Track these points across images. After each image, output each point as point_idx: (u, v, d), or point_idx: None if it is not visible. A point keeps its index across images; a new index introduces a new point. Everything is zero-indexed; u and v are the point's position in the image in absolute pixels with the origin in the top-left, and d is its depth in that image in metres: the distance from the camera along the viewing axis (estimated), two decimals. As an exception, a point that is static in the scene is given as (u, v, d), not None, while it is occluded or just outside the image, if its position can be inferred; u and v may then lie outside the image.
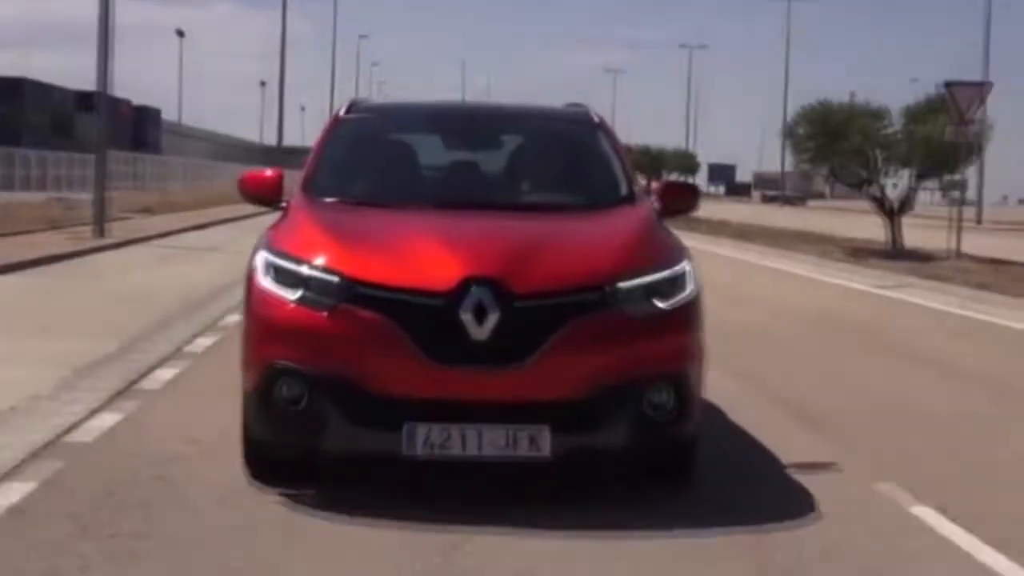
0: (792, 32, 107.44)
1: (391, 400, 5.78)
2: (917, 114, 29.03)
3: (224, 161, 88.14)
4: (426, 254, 6.01)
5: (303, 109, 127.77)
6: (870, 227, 33.10)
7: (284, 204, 7.05)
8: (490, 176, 7.74)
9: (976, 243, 29.90)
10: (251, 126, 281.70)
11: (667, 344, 6.06)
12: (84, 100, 63.36)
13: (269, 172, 7.32)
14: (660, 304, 6.06)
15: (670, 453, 6.34)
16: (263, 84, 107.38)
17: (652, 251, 6.36)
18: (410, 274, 5.89)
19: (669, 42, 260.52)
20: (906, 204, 29.78)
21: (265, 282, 6.12)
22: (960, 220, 27.88)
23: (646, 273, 6.09)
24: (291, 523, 5.81)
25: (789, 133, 31.40)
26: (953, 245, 27.13)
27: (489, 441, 5.78)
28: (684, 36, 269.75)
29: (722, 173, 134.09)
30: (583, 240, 6.45)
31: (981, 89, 28.51)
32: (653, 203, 7.18)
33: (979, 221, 55.87)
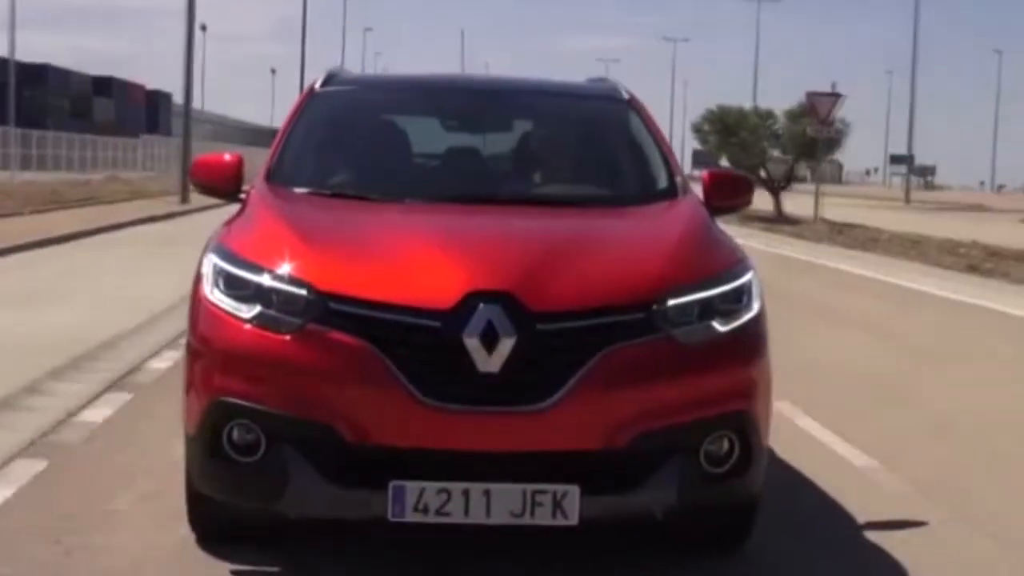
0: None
1: (374, 451, 4.45)
2: (793, 116, 40.12)
3: (233, 144, 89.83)
4: (419, 261, 4.65)
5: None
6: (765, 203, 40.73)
7: (243, 196, 5.67)
8: (498, 164, 6.33)
9: (869, 215, 41.31)
10: (256, 109, 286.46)
11: (728, 378, 4.71)
12: (100, 85, 71.55)
13: (227, 156, 5.86)
14: (719, 327, 4.72)
15: (727, 515, 5.03)
16: (273, 72, 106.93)
17: (707, 259, 4.99)
18: (399, 287, 4.53)
19: (658, 33, 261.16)
20: (788, 183, 41.39)
21: (213, 294, 4.74)
22: (817, 194, 38.18)
23: (701, 287, 4.74)
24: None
25: (696, 129, 43.19)
26: (823, 214, 37.24)
27: (500, 504, 4.43)
28: (672, 28, 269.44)
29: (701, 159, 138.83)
30: (620, 244, 5.07)
31: (836, 99, 37.32)
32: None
33: (907, 200, 71.25)
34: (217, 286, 4.74)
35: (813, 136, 37.09)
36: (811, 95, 37.76)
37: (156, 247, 20.45)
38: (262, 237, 4.92)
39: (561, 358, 4.45)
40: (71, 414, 7.45)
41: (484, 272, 4.53)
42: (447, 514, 4.42)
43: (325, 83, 6.27)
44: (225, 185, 5.74)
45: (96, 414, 7.56)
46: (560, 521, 4.44)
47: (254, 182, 5.68)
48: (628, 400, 4.49)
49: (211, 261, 4.85)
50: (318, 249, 4.78)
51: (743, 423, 4.70)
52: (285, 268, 4.64)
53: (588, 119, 6.41)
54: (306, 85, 6.47)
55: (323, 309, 4.50)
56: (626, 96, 6.39)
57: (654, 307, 4.60)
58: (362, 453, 4.44)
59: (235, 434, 4.56)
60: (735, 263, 4.99)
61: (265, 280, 4.64)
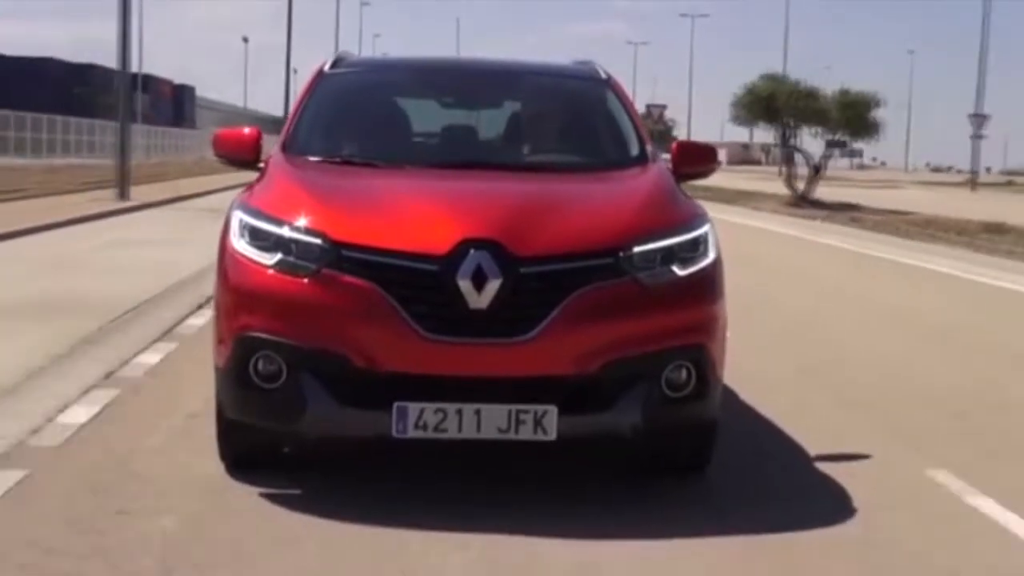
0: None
1: (380, 377, 5.09)
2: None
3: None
4: (419, 214, 5.31)
5: (295, 72, 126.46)
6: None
7: (262, 165, 6.34)
8: (489, 135, 7.00)
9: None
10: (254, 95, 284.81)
11: (686, 315, 5.37)
12: (135, 81, 76.10)
13: (247, 130, 6.59)
14: (678, 271, 5.37)
15: (686, 439, 5.69)
16: (288, 66, 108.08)
17: (669, 213, 5.66)
18: (401, 236, 5.18)
19: (668, 11, 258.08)
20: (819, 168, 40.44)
21: (239, 244, 5.41)
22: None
23: (663, 236, 5.39)
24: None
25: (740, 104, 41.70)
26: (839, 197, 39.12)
27: (488, 421, 5.08)
28: (681, 7, 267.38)
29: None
30: (593, 201, 5.77)
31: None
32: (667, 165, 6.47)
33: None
34: (243, 237, 5.40)
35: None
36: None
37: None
38: (281, 196, 5.59)
39: (540, 297, 5.10)
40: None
41: (474, 222, 5.18)
42: (444, 430, 5.06)
43: (334, 65, 6.97)
44: (246, 155, 6.40)
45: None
46: (540, 436, 5.08)
47: (271, 152, 6.34)
48: (598, 333, 5.13)
49: (237, 216, 5.50)
50: (330, 205, 5.44)
51: (699, 355, 5.35)
52: (302, 221, 5.30)
53: (569, 96, 7.10)
54: (315, 68, 7.10)
55: (336, 256, 5.15)
56: (604, 76, 7.08)
57: (621, 253, 5.24)
58: (370, 379, 5.08)
59: (260, 364, 5.20)
60: (694, 217, 5.65)
61: (285, 232, 5.29)
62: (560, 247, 5.20)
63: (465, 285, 5.03)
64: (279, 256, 5.25)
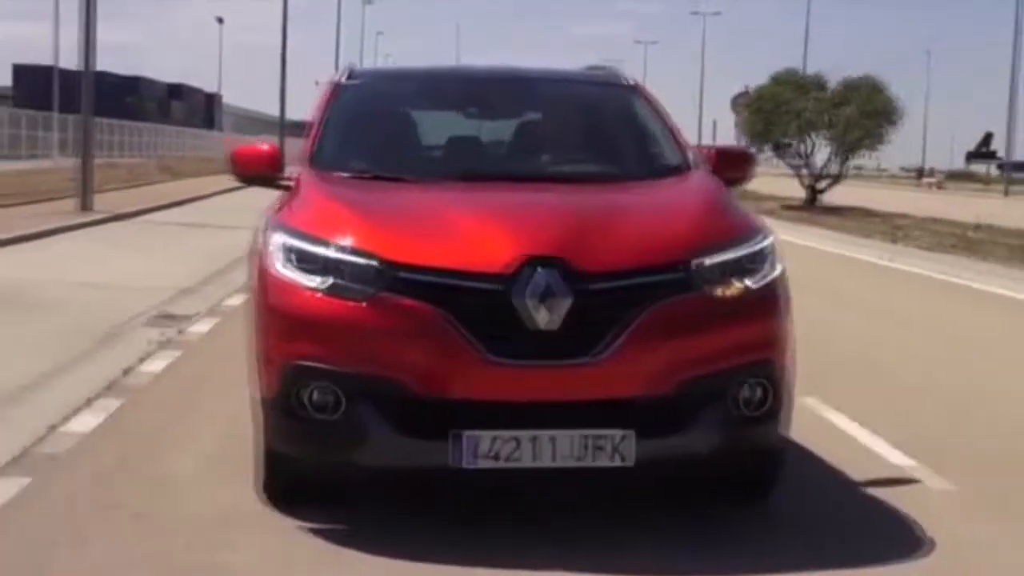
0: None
1: (444, 404, 4.73)
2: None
3: (247, 134, 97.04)
4: (477, 232, 4.96)
5: (317, 84, 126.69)
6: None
7: (287, 181, 6.01)
8: (521, 146, 6.58)
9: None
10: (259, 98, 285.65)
11: (756, 330, 5.07)
12: (173, 91, 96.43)
13: (265, 146, 6.33)
14: (748, 284, 5.07)
15: (755, 461, 5.33)
16: (284, 66, 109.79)
17: (734, 223, 5.36)
18: (461, 255, 4.83)
19: (674, 13, 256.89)
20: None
21: (284, 269, 5.00)
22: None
23: (731, 248, 5.09)
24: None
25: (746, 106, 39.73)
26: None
27: (564, 449, 4.74)
28: (684, 8, 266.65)
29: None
30: (652, 211, 5.45)
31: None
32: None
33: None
34: (287, 261, 5.00)
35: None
36: None
37: None
38: (324, 215, 5.21)
39: (611, 315, 4.77)
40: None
41: (537, 239, 4.86)
42: (516, 460, 4.71)
43: (349, 77, 6.63)
44: (267, 172, 6.11)
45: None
46: (618, 463, 4.75)
47: (295, 167, 5.99)
48: (672, 351, 4.81)
49: (278, 238, 5.11)
50: (380, 224, 5.08)
51: (772, 370, 5.04)
52: (353, 242, 4.93)
53: (599, 104, 6.75)
54: (330, 79, 6.76)
55: (392, 278, 4.78)
56: (631, 82, 6.77)
57: (691, 266, 4.93)
58: (433, 406, 4.71)
59: (313, 394, 4.80)
60: (758, 228, 5.37)
61: (334, 253, 4.91)
62: (629, 262, 4.89)
63: (532, 305, 4.71)
64: (330, 280, 4.88)
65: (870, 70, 38.89)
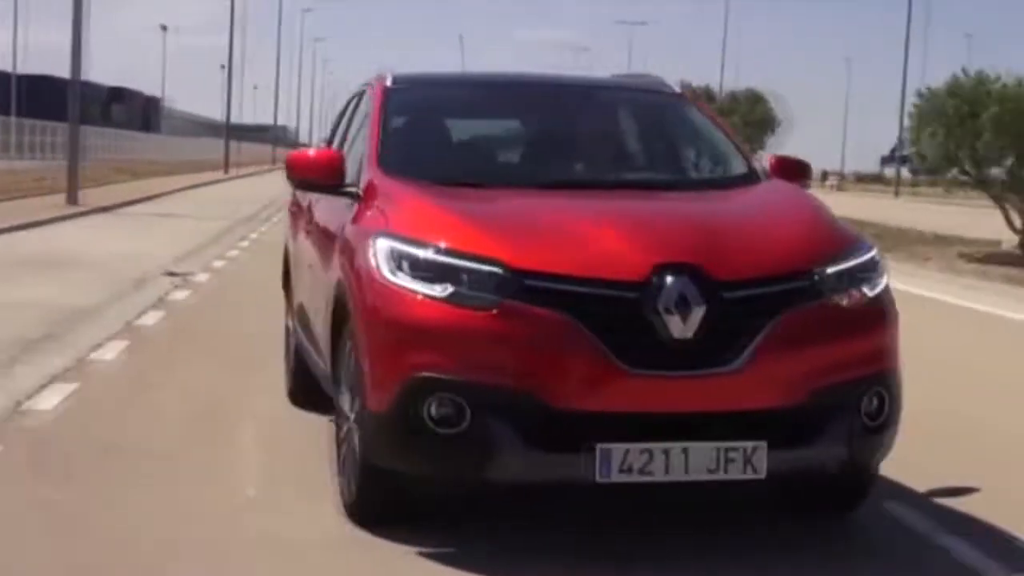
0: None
1: (579, 416, 4.62)
2: None
3: (197, 137, 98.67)
4: (603, 238, 4.87)
5: (255, 87, 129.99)
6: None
7: (353, 189, 5.75)
8: (592, 154, 6.41)
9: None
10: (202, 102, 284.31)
11: (876, 339, 5.04)
12: (115, 94, 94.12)
13: (323, 150, 6.28)
14: (867, 292, 5.05)
15: (863, 472, 5.23)
16: (223, 67, 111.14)
17: (842, 232, 5.32)
18: (590, 262, 4.73)
19: (611, 18, 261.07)
20: None
21: (395, 277, 4.84)
22: None
23: (846, 257, 5.05)
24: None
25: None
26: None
27: (697, 461, 4.65)
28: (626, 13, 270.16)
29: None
30: (769, 219, 5.35)
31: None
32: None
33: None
34: (399, 269, 4.83)
35: None
36: None
37: None
38: (434, 221, 5.03)
39: (743, 323, 4.68)
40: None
41: (670, 246, 4.78)
42: (650, 473, 4.59)
43: (394, 81, 6.39)
44: (328, 179, 5.88)
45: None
46: (750, 475, 4.66)
47: (365, 173, 5.71)
48: (803, 360, 4.75)
49: (385, 246, 4.92)
50: (499, 230, 4.93)
51: (891, 381, 5.01)
52: (474, 248, 4.77)
53: (654, 111, 6.66)
54: (374, 82, 6.52)
55: (519, 285, 4.64)
56: (678, 90, 6.71)
57: (816, 274, 4.88)
58: (566, 419, 4.58)
59: (435, 407, 4.64)
60: (862, 236, 5.36)
61: (454, 260, 4.75)
62: (760, 269, 4.83)
63: (666, 313, 4.61)
64: (450, 288, 4.72)
65: (799, 78, 42.28)
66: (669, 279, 4.64)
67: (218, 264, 15.88)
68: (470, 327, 4.67)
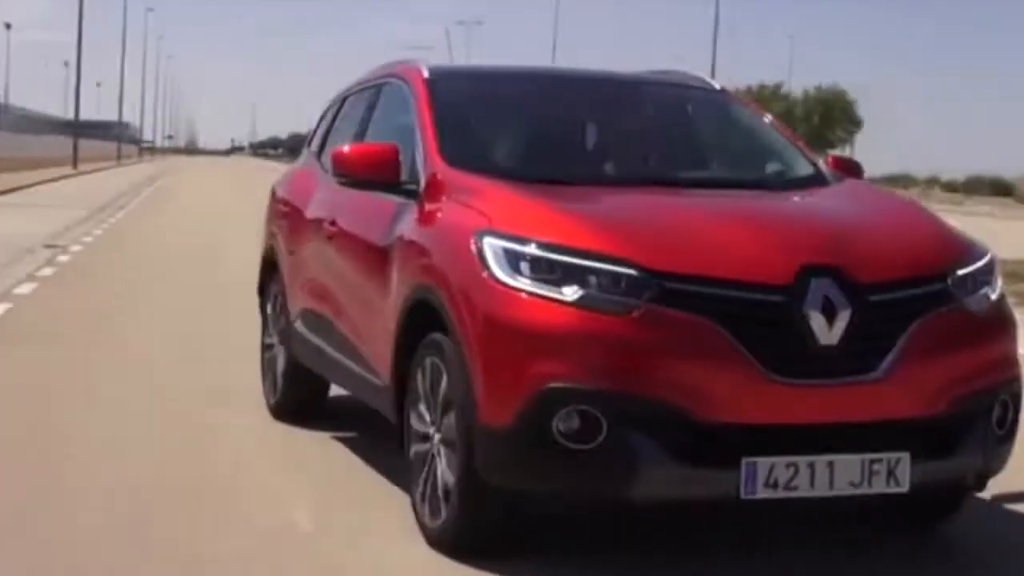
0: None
1: (722, 428, 4.30)
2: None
3: (39, 135, 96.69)
4: (741, 239, 4.56)
5: (99, 85, 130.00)
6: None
7: (412, 186, 5.36)
8: (660, 151, 6.14)
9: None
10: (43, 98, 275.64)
11: (1002, 344, 4.84)
12: None
13: (378, 145, 5.70)
14: (991, 296, 4.86)
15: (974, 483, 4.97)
16: (66, 64, 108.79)
17: (960, 236, 5.11)
18: (733, 263, 4.42)
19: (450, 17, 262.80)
20: None
21: (514, 277, 4.46)
22: None
23: (970, 260, 4.86)
24: None
25: None
26: None
27: (842, 475, 4.38)
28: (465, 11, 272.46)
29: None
30: (891, 220, 5.10)
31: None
32: None
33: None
34: (516, 270, 4.46)
35: None
36: None
37: None
38: (543, 219, 4.66)
39: (886, 328, 4.46)
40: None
41: (813, 246, 4.55)
42: (795, 488, 4.33)
43: (432, 73, 5.96)
44: (386, 175, 5.46)
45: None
46: (892, 488, 4.43)
47: (425, 168, 5.33)
48: (943, 367, 4.55)
49: (495, 245, 4.55)
50: (624, 229, 4.60)
51: (1016, 387, 4.82)
52: (607, 249, 4.43)
53: (707, 108, 6.39)
54: (404, 73, 6.10)
55: (658, 288, 4.33)
56: (719, 86, 6.47)
57: (948, 277, 4.69)
58: (711, 431, 4.29)
59: (567, 421, 4.29)
60: (974, 239, 5.13)
61: (582, 261, 4.40)
62: (900, 271, 4.60)
63: (814, 317, 4.34)
64: (580, 290, 4.35)
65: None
66: (815, 282, 4.39)
67: (87, 239, 19.26)
68: (605, 333, 4.31)
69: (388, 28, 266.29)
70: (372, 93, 6.57)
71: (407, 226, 5.25)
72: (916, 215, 5.23)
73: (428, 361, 4.87)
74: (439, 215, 5.07)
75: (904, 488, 4.45)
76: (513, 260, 4.49)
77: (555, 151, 5.86)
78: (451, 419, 4.69)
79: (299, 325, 6.66)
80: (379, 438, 6.12)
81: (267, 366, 7.33)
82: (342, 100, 7.19)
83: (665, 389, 4.27)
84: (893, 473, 4.42)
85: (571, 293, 4.36)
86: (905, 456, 4.43)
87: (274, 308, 7.24)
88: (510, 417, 4.37)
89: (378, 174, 5.48)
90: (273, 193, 7.61)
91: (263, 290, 7.52)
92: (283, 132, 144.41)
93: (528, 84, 6.42)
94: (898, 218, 5.14)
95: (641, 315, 4.30)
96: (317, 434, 6.73)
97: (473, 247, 4.61)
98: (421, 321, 4.92)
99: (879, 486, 4.42)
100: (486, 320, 4.49)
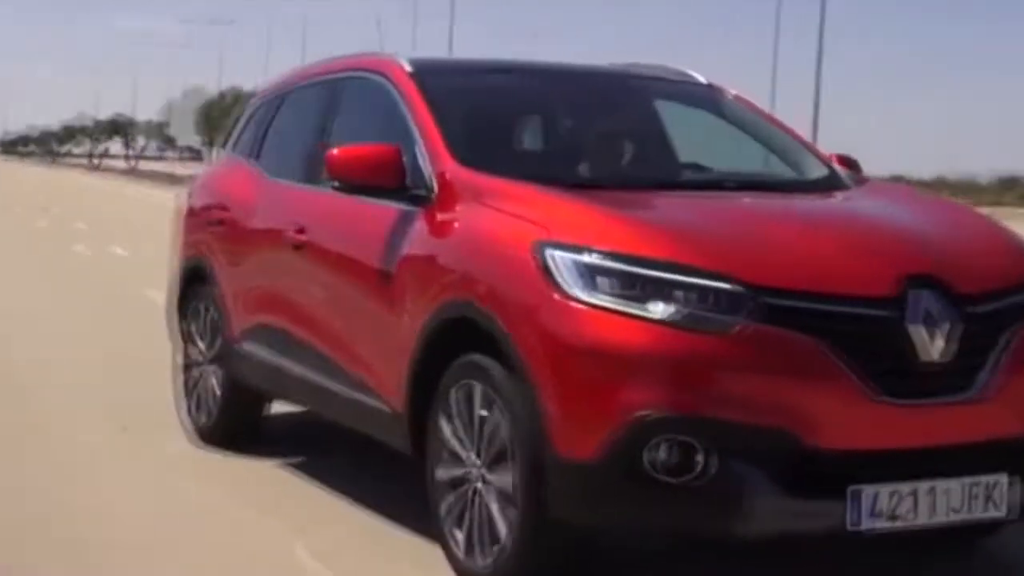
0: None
1: (831, 455, 3.97)
2: None
3: None
4: (837, 248, 4.23)
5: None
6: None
7: (418, 191, 4.84)
8: (681, 150, 5.73)
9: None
10: None
11: None
12: None
13: (378, 147, 5.00)
14: None
15: None
16: None
17: (1018, 238, 4.88)
18: (834, 275, 4.09)
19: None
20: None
21: (591, 294, 4.02)
22: None
23: None
24: None
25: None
26: None
27: (943, 502, 4.08)
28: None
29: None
30: (960, 226, 4.81)
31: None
32: None
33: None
34: (591, 285, 4.02)
35: None
36: None
37: None
38: (611, 228, 4.22)
39: (984, 342, 4.18)
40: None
41: (916, 256, 4.25)
42: (896, 518, 4.01)
43: (415, 66, 5.40)
44: (389, 179, 4.89)
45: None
46: (991, 513, 4.15)
47: (432, 170, 4.82)
48: None
49: (564, 257, 4.09)
50: (711, 240, 4.20)
51: None
52: (695, 261, 4.03)
53: (714, 106, 5.89)
54: (382, 67, 5.48)
55: (759, 305, 3.95)
56: (706, 81, 6.05)
57: None
58: (819, 458, 3.94)
59: (664, 452, 3.89)
60: None
61: (674, 275, 3.99)
62: (994, 281, 4.32)
63: (917, 332, 4.03)
64: (672, 307, 3.94)
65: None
66: (917, 293, 4.08)
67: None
68: (704, 354, 3.93)
69: (147, 19, 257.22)
70: (327, 90, 5.99)
71: (420, 236, 4.76)
72: (977, 220, 4.98)
73: (466, 386, 4.41)
74: (465, 223, 4.60)
75: (1002, 513, 4.17)
76: (587, 274, 4.06)
77: (576, 152, 5.42)
78: (501, 450, 4.26)
79: (247, 343, 6.06)
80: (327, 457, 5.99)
81: (190, 387, 6.71)
82: (279, 98, 6.58)
83: (771, 414, 3.91)
84: (991, 497, 4.14)
85: (660, 311, 3.96)
86: (1003, 478, 4.15)
87: (201, 324, 6.61)
88: (594, 450, 3.95)
89: (380, 179, 4.92)
90: (190, 199, 7.00)
91: (178, 307, 6.88)
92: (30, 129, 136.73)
93: (521, 79, 5.90)
94: (968, 224, 4.87)
95: (742, 334, 3.92)
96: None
97: (533, 260, 4.16)
98: (450, 342, 4.47)
99: (978, 511, 4.13)
100: (560, 343, 4.05)
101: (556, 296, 4.07)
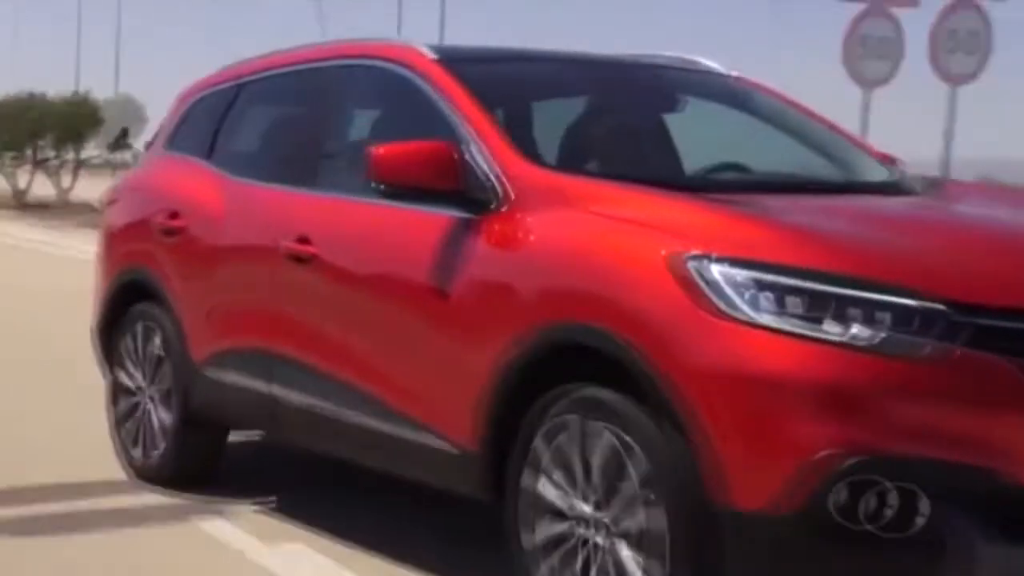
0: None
1: None
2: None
3: None
4: (1015, 259, 3.74)
5: None
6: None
7: (478, 194, 4.20)
8: (756, 148, 5.21)
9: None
10: None
11: None
12: None
13: (429, 143, 4.32)
14: None
15: None
16: None
17: None
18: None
19: None
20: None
21: (765, 316, 3.43)
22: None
23: None
24: None
25: None
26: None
27: None
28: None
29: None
30: None
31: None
32: None
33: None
34: (756, 305, 3.44)
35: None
36: None
37: None
38: (776, 238, 3.63)
39: None
40: None
41: None
42: None
43: (439, 54, 4.78)
44: (448, 181, 4.23)
45: None
46: None
47: (509, 172, 4.17)
48: None
49: (726, 272, 3.49)
50: (898, 251, 3.66)
51: None
52: (889, 277, 3.48)
53: (748, 102, 5.35)
54: (401, 54, 4.83)
55: (969, 326, 3.42)
56: (734, 73, 5.51)
57: None
58: None
59: (872, 500, 3.34)
60: None
61: (869, 295, 3.43)
62: None
63: None
64: (868, 330, 3.38)
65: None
66: None
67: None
68: (903, 383, 3.38)
69: None
70: (317, 80, 5.27)
71: (485, 248, 4.10)
72: None
73: (571, 423, 3.76)
74: (555, 233, 3.94)
75: None
76: (759, 289, 3.46)
77: (658, 150, 4.86)
78: (630, 496, 3.62)
79: (218, 369, 5.28)
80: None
81: (126, 419, 5.85)
82: (234, 88, 5.79)
83: (986, 453, 3.37)
84: None
85: (861, 335, 3.37)
86: None
87: (141, 347, 5.76)
88: (778, 499, 3.35)
89: (438, 180, 4.23)
90: (116, 205, 6.23)
91: (110, 326, 6.00)
92: None
93: (554, 68, 5.26)
94: None
95: (947, 359, 3.37)
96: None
97: (679, 275, 3.54)
98: (547, 371, 3.83)
99: None
100: (725, 372, 3.42)
101: (715, 317, 3.46)
